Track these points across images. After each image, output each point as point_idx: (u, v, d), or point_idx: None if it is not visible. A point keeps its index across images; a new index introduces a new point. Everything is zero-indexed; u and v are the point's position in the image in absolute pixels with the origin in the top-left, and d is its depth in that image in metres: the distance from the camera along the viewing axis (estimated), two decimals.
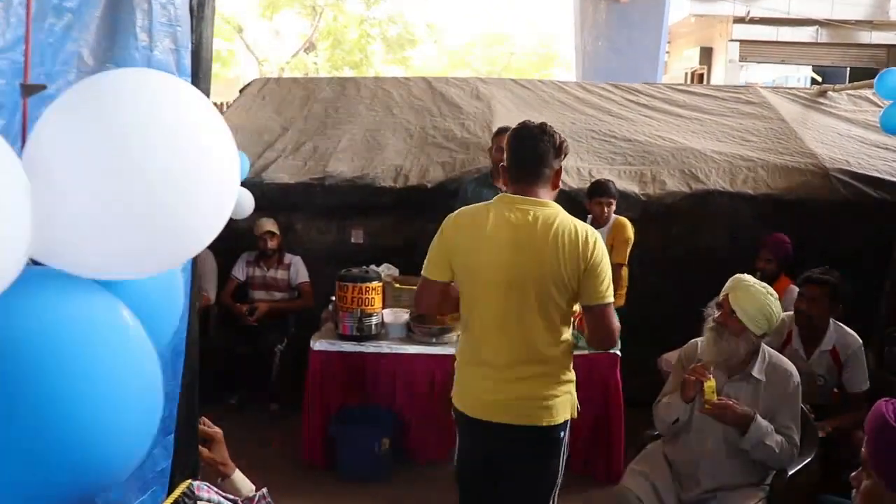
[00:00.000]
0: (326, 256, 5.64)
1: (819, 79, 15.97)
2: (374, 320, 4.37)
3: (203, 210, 1.18)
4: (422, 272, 2.84)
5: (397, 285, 4.82)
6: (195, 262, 2.02)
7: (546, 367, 2.67)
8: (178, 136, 1.14)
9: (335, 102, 6.70)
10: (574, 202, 5.32)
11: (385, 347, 4.37)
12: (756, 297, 2.99)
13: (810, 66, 17.21)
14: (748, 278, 3.09)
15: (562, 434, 2.72)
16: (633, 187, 5.38)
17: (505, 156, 2.81)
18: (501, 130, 4.93)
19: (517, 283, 2.60)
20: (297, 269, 5.54)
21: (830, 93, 6.87)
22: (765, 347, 3.12)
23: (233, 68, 22.98)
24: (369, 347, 4.37)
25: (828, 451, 3.51)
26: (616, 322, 2.71)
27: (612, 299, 2.67)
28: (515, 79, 7.10)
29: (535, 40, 29.05)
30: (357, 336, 4.35)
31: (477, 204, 2.86)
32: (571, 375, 2.78)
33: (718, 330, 3.04)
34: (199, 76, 2.03)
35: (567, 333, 2.74)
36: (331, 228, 5.67)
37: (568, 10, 16.08)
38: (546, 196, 2.72)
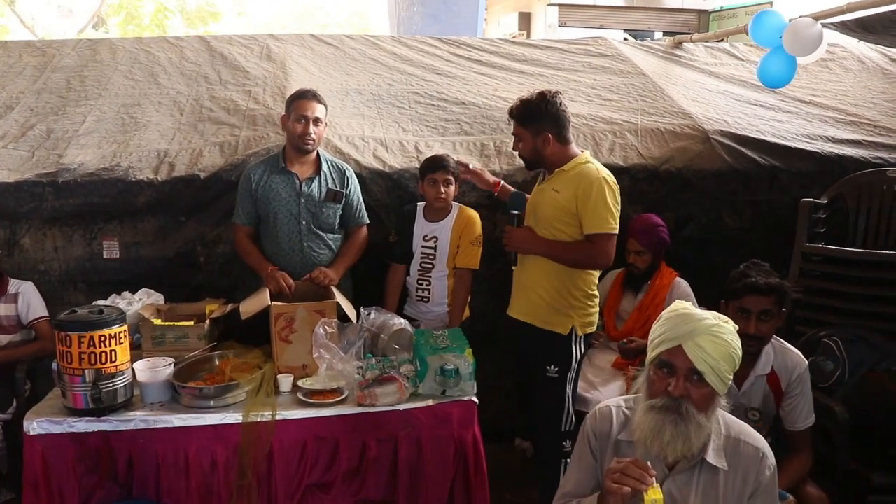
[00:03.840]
0: (70, 280, 4.18)
1: None
2: (118, 383, 2.95)
3: None
4: (612, 230, 3.24)
5: (157, 321, 3.39)
6: None
7: None
8: None
9: (81, 71, 5.15)
10: (397, 185, 4.13)
11: (139, 421, 2.95)
12: (721, 337, 1.87)
13: (622, 32, 17.11)
14: (697, 311, 1.94)
15: None
16: (473, 163, 4.19)
17: (561, 122, 3.32)
18: (302, 94, 3.70)
19: None
20: (29, 302, 3.99)
21: (686, 44, 5.98)
22: (720, 414, 1.99)
23: None
24: (115, 423, 2.95)
25: None
26: None
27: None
28: (317, 35, 5.72)
29: (348, 12, 27.67)
30: (93, 409, 2.91)
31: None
32: None
33: (676, 409, 1.88)
34: None
35: None
36: (73, 241, 4.11)
37: None
38: None
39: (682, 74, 5.44)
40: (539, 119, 3.31)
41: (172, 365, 3.12)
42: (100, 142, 4.35)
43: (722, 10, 15.91)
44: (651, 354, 1.97)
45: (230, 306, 3.61)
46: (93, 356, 2.87)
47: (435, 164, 3.79)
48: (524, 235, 3.42)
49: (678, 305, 2.00)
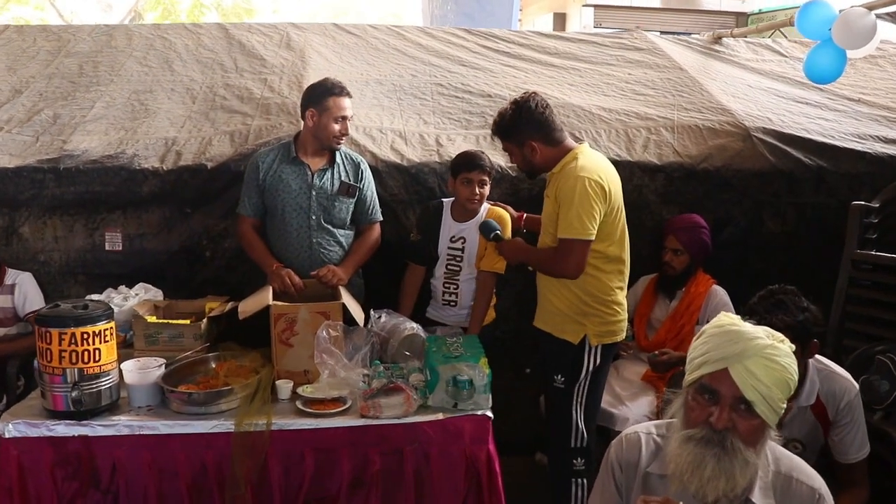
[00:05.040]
0: (71, 271, 3.97)
1: None
2: (103, 384, 2.73)
3: None
4: (578, 234, 2.94)
5: (152, 319, 3.16)
6: None
7: None
8: None
9: (95, 56, 4.97)
10: (415, 180, 3.89)
11: (122, 427, 2.73)
12: (776, 360, 1.59)
13: (658, 34, 16.85)
14: (748, 327, 1.65)
15: None
16: (497, 158, 3.93)
17: (548, 119, 3.08)
18: (339, 90, 3.45)
19: None
20: (26, 293, 3.80)
21: (726, 39, 5.67)
22: (769, 446, 1.71)
23: None
24: (97, 428, 2.72)
25: None
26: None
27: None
28: (339, 23, 5.49)
29: (383, 11, 27.62)
30: (74, 412, 2.69)
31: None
32: None
33: (719, 442, 1.62)
34: None
35: None
36: (74, 231, 3.91)
37: None
38: None
39: (722, 70, 5.14)
40: (518, 130, 3.10)
41: (164, 366, 2.89)
42: (107, 128, 4.16)
43: (761, 12, 15.54)
44: (690, 376, 1.68)
45: (230, 304, 3.38)
46: (74, 354, 2.66)
47: (471, 163, 3.49)
48: (511, 246, 3.33)
49: (724, 319, 1.70)
